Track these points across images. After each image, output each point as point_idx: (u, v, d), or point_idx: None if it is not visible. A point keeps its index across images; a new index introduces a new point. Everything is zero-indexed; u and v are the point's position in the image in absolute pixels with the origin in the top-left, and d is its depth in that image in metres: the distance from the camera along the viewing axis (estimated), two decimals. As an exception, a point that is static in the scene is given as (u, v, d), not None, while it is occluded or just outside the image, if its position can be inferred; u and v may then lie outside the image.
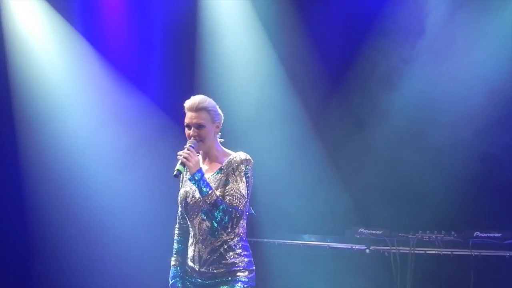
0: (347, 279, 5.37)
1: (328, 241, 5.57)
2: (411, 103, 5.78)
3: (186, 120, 3.38)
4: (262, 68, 6.37)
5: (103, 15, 6.44)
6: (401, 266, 5.23)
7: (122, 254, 6.20)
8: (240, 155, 3.35)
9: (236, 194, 3.27)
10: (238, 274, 3.31)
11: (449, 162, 5.58)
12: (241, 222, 3.33)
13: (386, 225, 5.45)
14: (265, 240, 5.79)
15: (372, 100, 5.96)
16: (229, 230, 3.30)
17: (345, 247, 5.48)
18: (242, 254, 3.34)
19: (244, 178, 3.31)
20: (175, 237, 3.55)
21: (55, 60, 6.29)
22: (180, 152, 3.27)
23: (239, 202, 3.27)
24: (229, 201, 3.27)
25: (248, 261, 3.36)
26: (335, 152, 6.12)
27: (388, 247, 5.30)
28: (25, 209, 6.24)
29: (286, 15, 6.29)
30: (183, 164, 3.24)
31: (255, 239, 5.78)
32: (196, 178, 3.23)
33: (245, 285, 3.31)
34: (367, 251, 5.39)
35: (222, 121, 3.44)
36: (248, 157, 3.36)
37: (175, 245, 3.53)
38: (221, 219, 3.24)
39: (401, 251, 5.27)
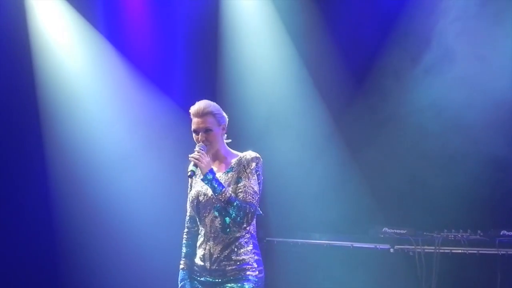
0: (371, 279, 5.31)
1: (352, 240, 5.51)
2: (432, 103, 5.72)
3: (193, 126, 3.50)
4: (284, 68, 6.37)
5: (126, 17, 6.49)
6: (426, 265, 5.16)
7: (142, 252, 6.23)
8: (250, 153, 3.46)
9: (249, 190, 3.36)
10: (248, 273, 3.36)
11: (475, 161, 5.49)
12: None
13: (411, 224, 5.38)
14: (287, 240, 5.76)
15: (394, 100, 5.91)
16: (245, 226, 3.36)
17: (369, 246, 5.43)
18: (252, 251, 3.41)
19: (255, 175, 3.41)
20: (184, 241, 3.61)
21: (78, 62, 6.35)
22: (192, 154, 3.38)
23: (253, 198, 3.36)
24: (243, 197, 3.35)
25: (258, 260, 3.43)
26: (358, 151, 6.07)
27: (413, 247, 5.23)
28: (50, 207, 6.30)
29: (308, 14, 6.27)
30: (195, 165, 3.36)
31: (278, 239, 5.77)
32: (209, 177, 3.33)
33: (254, 285, 3.36)
34: (391, 250, 5.33)
35: (227, 123, 3.55)
36: (258, 155, 3.47)
37: (184, 249, 3.59)
38: (236, 215, 3.32)
39: (426, 250, 5.20)
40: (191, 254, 3.53)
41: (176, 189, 5.05)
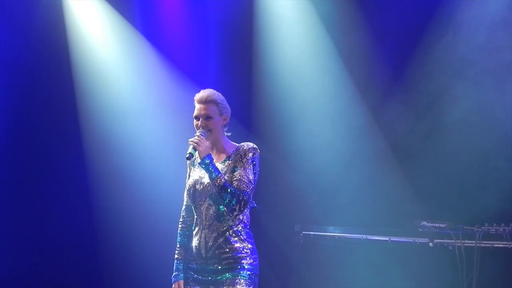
0: (410, 274, 5.23)
1: (390, 234, 5.43)
2: (477, 94, 5.60)
3: (195, 112, 3.59)
4: (321, 65, 6.32)
5: (162, 14, 6.53)
6: (466, 260, 5.04)
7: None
8: (248, 144, 3.55)
9: (243, 179, 3.45)
10: (243, 261, 3.45)
11: (516, 153, 5.37)
12: (246, 209, 3.48)
13: (450, 217, 5.28)
14: (324, 233, 5.71)
15: (434, 93, 5.82)
16: (236, 213, 3.44)
17: (407, 240, 5.34)
18: (246, 240, 3.49)
19: (251, 165, 3.50)
20: (179, 231, 3.68)
21: (116, 59, 6.42)
22: (191, 138, 3.47)
23: (247, 186, 3.44)
24: (237, 185, 3.44)
25: (252, 248, 3.51)
26: (396, 144, 5.99)
27: (453, 241, 5.12)
28: (90, 202, 6.38)
29: (345, 9, 6.20)
30: (194, 148, 3.44)
31: (314, 233, 5.73)
32: (206, 162, 3.42)
33: (250, 272, 3.45)
34: (430, 244, 5.23)
35: (229, 115, 3.62)
36: (256, 146, 3.55)
37: (179, 238, 3.66)
38: (229, 201, 3.40)
39: (466, 244, 5.08)
40: (186, 244, 3.61)
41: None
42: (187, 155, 3.45)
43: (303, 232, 5.79)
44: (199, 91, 3.66)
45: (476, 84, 5.62)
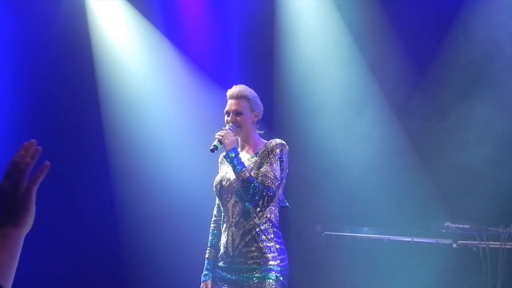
0: (433, 275, 5.16)
1: (412, 235, 5.37)
2: (500, 93, 5.52)
3: (226, 107, 3.53)
4: (342, 61, 6.27)
5: (184, 15, 6.53)
6: (491, 262, 4.95)
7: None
8: (276, 140, 3.47)
9: (269, 175, 3.34)
10: (271, 262, 3.32)
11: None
12: (272, 208, 3.37)
13: (474, 218, 5.20)
14: (346, 234, 5.67)
15: (457, 93, 5.74)
16: (260, 209, 3.32)
17: (430, 241, 5.27)
18: (273, 239, 3.38)
19: (278, 162, 3.39)
20: (210, 230, 3.61)
21: (138, 60, 6.43)
22: (218, 132, 3.41)
23: (272, 182, 3.33)
24: (262, 181, 3.33)
25: (280, 248, 3.40)
26: (420, 144, 5.93)
27: (477, 242, 5.04)
28: (113, 205, 6.40)
29: (369, 10, 6.16)
30: (220, 142, 3.38)
31: (336, 233, 5.68)
32: (231, 155, 3.35)
33: (278, 274, 3.33)
34: (454, 245, 5.15)
35: (262, 112, 3.54)
36: (284, 142, 3.47)
37: (210, 238, 3.60)
38: (253, 196, 3.30)
39: (490, 246, 5.00)
40: (216, 244, 3.54)
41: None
42: (212, 147, 3.37)
43: (324, 233, 5.76)
44: (225, 90, 3.61)
45: (498, 86, 5.54)
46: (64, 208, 6.20)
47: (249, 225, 3.37)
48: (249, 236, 3.36)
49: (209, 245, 3.58)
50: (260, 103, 3.55)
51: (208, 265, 3.53)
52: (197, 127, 6.29)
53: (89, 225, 6.25)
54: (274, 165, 3.37)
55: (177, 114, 6.44)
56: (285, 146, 3.45)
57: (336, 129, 6.24)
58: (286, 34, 6.45)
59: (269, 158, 3.38)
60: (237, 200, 3.40)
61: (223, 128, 3.44)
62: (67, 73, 6.24)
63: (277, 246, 3.39)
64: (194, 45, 6.54)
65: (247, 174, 3.31)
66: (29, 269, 5.81)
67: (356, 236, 5.61)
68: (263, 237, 3.36)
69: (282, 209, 3.54)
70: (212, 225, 3.61)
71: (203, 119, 6.26)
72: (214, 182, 3.54)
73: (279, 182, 3.37)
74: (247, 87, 3.54)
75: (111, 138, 6.39)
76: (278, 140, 3.45)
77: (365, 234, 5.60)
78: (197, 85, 6.46)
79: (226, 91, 3.61)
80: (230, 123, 3.47)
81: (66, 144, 6.23)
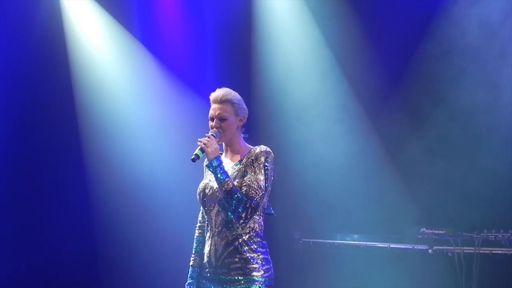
0: (409, 280, 5.24)
1: (389, 241, 5.45)
2: (473, 101, 5.61)
3: (210, 112, 3.37)
4: (318, 66, 6.32)
5: (158, 17, 6.52)
6: (465, 266, 5.06)
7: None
8: (261, 147, 3.33)
9: (253, 185, 3.23)
10: (254, 273, 3.24)
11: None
12: (256, 218, 3.29)
13: (449, 224, 5.29)
14: (324, 241, 5.72)
15: (434, 97, 5.82)
16: (243, 221, 3.24)
17: (406, 247, 5.36)
18: (257, 250, 3.27)
19: (263, 170, 3.27)
20: (195, 236, 3.51)
21: (112, 62, 6.41)
22: (201, 139, 3.27)
23: (256, 193, 3.22)
24: (245, 191, 3.22)
25: (264, 258, 3.29)
26: (396, 150, 5.98)
27: (452, 247, 5.14)
28: (88, 203, 6.35)
29: (341, 10, 6.21)
30: (202, 150, 3.24)
31: (314, 240, 5.73)
32: (214, 165, 3.22)
33: (261, 285, 3.24)
34: (430, 251, 5.25)
35: (247, 116, 3.40)
36: (268, 149, 3.33)
37: (195, 244, 3.49)
38: (236, 208, 3.20)
39: (465, 251, 5.10)
40: (201, 250, 3.43)
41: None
42: (193, 157, 3.23)
43: (302, 240, 5.80)
44: (200, 93, 3.44)
45: (475, 90, 5.62)
46: (40, 212, 6.13)
47: (232, 236, 3.27)
48: (232, 247, 3.26)
49: (193, 252, 3.47)
50: (244, 106, 3.41)
51: (192, 273, 3.44)
52: (173, 131, 6.28)
53: (65, 229, 6.19)
54: (259, 174, 3.26)
55: (153, 116, 6.42)
56: (270, 154, 3.32)
57: (313, 135, 6.27)
58: (263, 38, 6.48)
59: (253, 167, 3.26)
60: (220, 209, 3.30)
61: (206, 134, 3.30)
62: (42, 77, 6.18)
63: (261, 257, 3.28)
64: (170, 48, 6.51)
65: (230, 185, 3.20)
66: (2, 273, 5.77)
67: (333, 242, 5.66)
68: (246, 248, 3.26)
69: (266, 216, 3.46)
70: (196, 231, 3.51)
71: (179, 122, 6.25)
72: (198, 189, 3.42)
73: (263, 192, 3.26)
74: (231, 90, 3.39)
75: (87, 142, 6.36)
76: (263, 147, 3.33)
77: (342, 240, 5.66)
78: (173, 89, 6.46)
79: (206, 95, 3.43)
80: (214, 130, 3.32)
81: (41, 145, 6.17)
